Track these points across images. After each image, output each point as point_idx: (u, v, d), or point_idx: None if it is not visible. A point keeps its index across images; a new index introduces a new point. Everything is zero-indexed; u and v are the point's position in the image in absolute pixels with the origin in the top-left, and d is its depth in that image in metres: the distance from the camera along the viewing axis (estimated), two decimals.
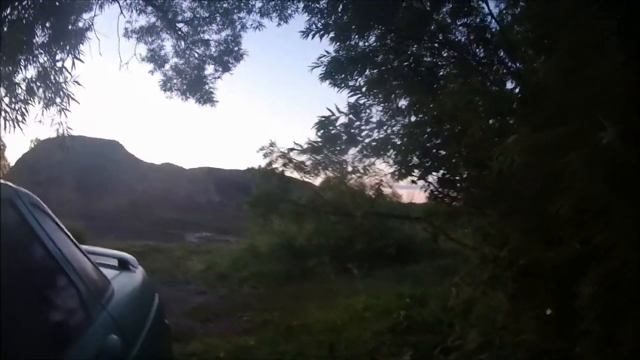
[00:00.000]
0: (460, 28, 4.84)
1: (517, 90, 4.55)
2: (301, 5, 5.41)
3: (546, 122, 3.39)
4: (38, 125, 8.13)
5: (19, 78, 7.33)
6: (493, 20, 4.68)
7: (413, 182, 5.37)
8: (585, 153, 2.89)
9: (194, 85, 10.38)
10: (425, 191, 5.37)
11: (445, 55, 4.96)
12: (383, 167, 5.36)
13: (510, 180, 4.00)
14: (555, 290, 3.94)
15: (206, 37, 10.37)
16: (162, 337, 3.83)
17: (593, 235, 3.29)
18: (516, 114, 4.13)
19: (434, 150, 5.05)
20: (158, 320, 3.66)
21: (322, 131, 5.49)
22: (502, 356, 4.13)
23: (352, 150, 5.35)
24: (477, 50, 4.73)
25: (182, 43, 10.39)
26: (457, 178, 5.13)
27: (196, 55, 10.47)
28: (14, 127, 7.08)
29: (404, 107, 5.30)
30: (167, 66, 10.63)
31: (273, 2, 9.81)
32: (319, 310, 7.99)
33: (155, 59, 10.58)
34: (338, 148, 5.39)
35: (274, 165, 6.01)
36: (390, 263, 9.84)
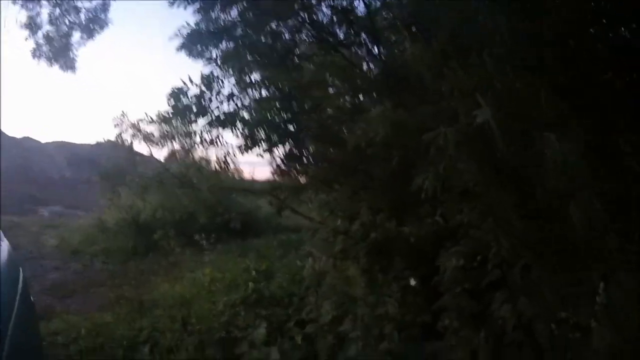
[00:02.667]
0: (324, 9, 4.35)
1: (376, 72, 4.14)
2: None
3: (413, 101, 3.07)
4: None
5: None
6: (362, 4, 4.23)
7: (259, 155, 4.90)
8: (455, 130, 2.63)
9: (60, 52, 9.18)
10: (271, 165, 5.02)
11: (305, 34, 4.46)
12: (231, 140, 4.86)
13: (362, 157, 3.74)
14: (414, 265, 3.75)
15: (79, 4, 9.15)
16: (30, 314, 3.41)
17: (453, 214, 3.14)
18: (376, 92, 3.73)
19: (283, 125, 4.59)
20: (25, 297, 3.21)
21: (174, 103, 4.87)
22: (364, 328, 3.82)
23: (202, 122, 4.87)
24: (339, 31, 4.26)
25: (57, 10, 9.11)
26: (304, 153, 4.71)
27: (67, 22, 9.24)
28: None
29: (256, 81, 4.78)
30: (39, 33, 9.33)
31: None
32: (166, 284, 7.41)
33: (31, 26, 9.23)
34: (188, 119, 4.76)
35: (123, 137, 5.35)
36: (235, 237, 9.30)
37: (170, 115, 4.93)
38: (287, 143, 4.82)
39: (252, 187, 7.24)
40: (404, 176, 3.20)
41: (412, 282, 3.75)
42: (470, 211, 3.09)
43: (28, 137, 22.07)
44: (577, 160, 2.48)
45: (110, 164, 6.70)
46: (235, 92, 4.86)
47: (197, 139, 4.99)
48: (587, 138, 2.50)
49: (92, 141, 11.62)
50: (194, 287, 6.93)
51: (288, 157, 4.90)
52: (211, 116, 4.83)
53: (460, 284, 3.35)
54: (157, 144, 5.16)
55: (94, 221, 10.65)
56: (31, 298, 3.69)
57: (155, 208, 10.24)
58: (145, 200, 10.16)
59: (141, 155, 6.36)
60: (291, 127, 4.73)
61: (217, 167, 5.36)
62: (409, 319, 3.78)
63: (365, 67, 4.47)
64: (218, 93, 4.87)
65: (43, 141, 23.29)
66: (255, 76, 4.81)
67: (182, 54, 4.61)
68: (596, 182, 2.65)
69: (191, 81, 4.92)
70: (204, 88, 4.84)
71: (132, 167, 9.52)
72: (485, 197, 2.95)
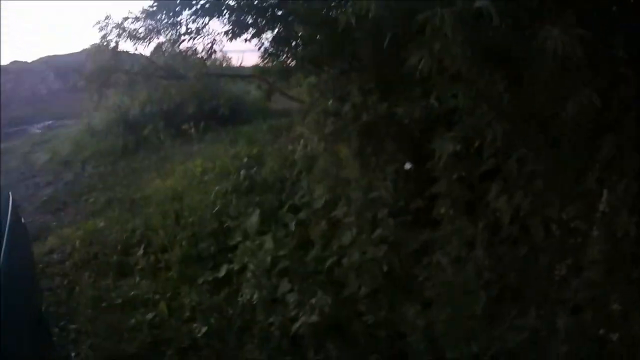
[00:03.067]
0: None
1: None
2: None
3: None
4: None
5: None
6: None
7: (247, 41, 4.53)
8: (452, 12, 2.45)
9: None
10: (259, 49, 4.60)
11: None
12: (217, 27, 4.44)
13: (352, 38, 3.51)
14: (407, 148, 3.58)
15: None
16: (22, 240, 3.45)
17: (446, 98, 3.05)
18: None
19: (270, 10, 4.23)
20: (15, 224, 3.26)
21: None
22: (357, 211, 3.61)
23: (187, 12, 4.43)
24: None
25: None
26: (293, 36, 4.35)
27: None
28: None
29: None
30: None
31: None
32: (158, 180, 7.14)
33: None
34: (172, 12, 4.41)
35: (108, 38, 4.99)
36: (224, 124, 8.90)
37: (155, 9, 4.44)
38: (275, 27, 4.37)
39: (239, 73, 6.78)
40: (396, 56, 3.03)
41: (407, 166, 3.53)
42: (464, 96, 2.96)
43: (15, 61, 21.24)
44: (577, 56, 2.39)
45: (96, 65, 6.37)
46: None
47: (183, 30, 4.53)
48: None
49: (79, 49, 11.08)
50: (185, 180, 6.67)
51: (276, 41, 4.45)
52: (196, 5, 4.31)
53: (455, 171, 3.22)
54: (142, 39, 4.70)
55: (84, 127, 10.23)
56: (22, 222, 3.70)
57: (143, 103, 9.80)
58: (133, 97, 9.86)
59: (127, 53, 5.99)
60: (279, 11, 4.26)
61: (204, 55, 4.94)
62: (403, 204, 3.60)
63: None
64: None
65: (30, 60, 22.53)
66: None
67: None
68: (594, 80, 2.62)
69: None
70: None
71: (117, 66, 9.09)
72: (479, 82, 2.85)
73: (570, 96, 2.59)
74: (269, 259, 4.05)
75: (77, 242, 5.66)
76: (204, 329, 3.94)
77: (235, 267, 4.41)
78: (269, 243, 4.26)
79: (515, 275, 3.06)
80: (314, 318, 3.33)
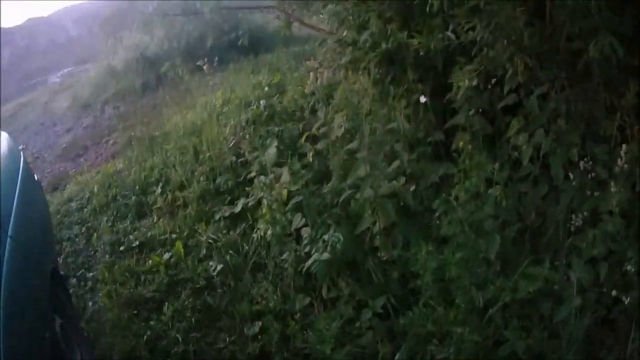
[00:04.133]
0: None
1: None
2: None
3: None
4: None
5: None
6: None
7: None
8: None
9: None
10: None
11: None
12: None
13: None
14: (426, 79, 3.47)
15: None
16: (35, 197, 3.44)
17: (465, 30, 2.90)
18: None
19: None
20: (26, 183, 3.27)
21: None
22: (373, 142, 3.31)
23: None
24: None
25: None
26: None
27: None
28: None
29: None
30: None
31: None
32: (178, 115, 6.93)
33: None
34: None
35: None
36: (244, 54, 8.56)
37: None
38: None
39: (258, 5, 6.47)
40: None
41: (423, 99, 3.35)
42: (483, 29, 2.84)
43: (30, 19, 21.06)
44: None
45: (112, 9, 6.23)
46: None
47: None
48: None
49: None
50: (204, 112, 6.39)
51: None
52: None
53: (474, 105, 3.14)
54: None
55: (103, 69, 10.04)
56: (35, 180, 3.71)
57: (161, 40, 9.58)
58: (151, 35, 9.67)
59: None
60: None
61: None
62: (421, 136, 3.48)
63: None
64: None
65: (47, 14, 22.29)
66: None
67: None
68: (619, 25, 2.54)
69: None
70: None
71: (133, 7, 8.89)
72: (499, 16, 2.77)
73: (592, 40, 2.50)
74: (284, 192, 3.79)
75: (96, 187, 5.52)
76: (219, 267, 3.76)
77: (251, 202, 4.19)
78: (285, 176, 4.00)
79: (535, 217, 2.97)
80: (326, 255, 3.08)
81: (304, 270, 3.27)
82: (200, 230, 4.20)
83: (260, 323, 3.35)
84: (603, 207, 2.66)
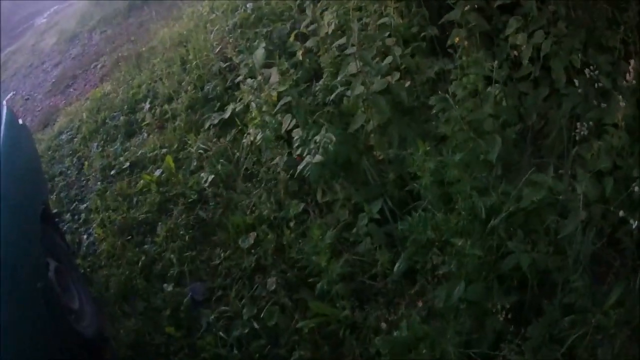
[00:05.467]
0: None
1: None
2: None
3: None
4: None
5: None
6: None
7: None
8: None
9: None
10: None
11: None
12: None
13: None
14: None
15: None
16: (20, 141, 3.27)
17: None
18: None
19: None
20: (11, 131, 3.17)
21: None
22: (364, 38, 3.11)
23: None
24: None
25: None
26: None
27: None
28: None
29: None
30: None
31: None
32: (164, 29, 6.44)
33: None
34: None
35: None
36: None
37: None
38: None
39: None
40: None
41: None
42: None
43: None
44: None
45: None
46: None
47: None
48: None
49: None
50: (191, 22, 5.95)
51: None
52: None
53: (470, 1, 2.91)
54: None
55: None
56: (22, 124, 3.59)
57: None
58: None
59: None
60: None
61: None
62: (415, 31, 3.20)
63: None
64: None
65: None
66: None
67: None
68: None
69: None
70: None
71: None
72: None
73: None
74: (274, 93, 3.44)
75: (85, 114, 5.20)
76: (211, 178, 3.49)
77: (240, 106, 3.85)
78: (274, 77, 3.64)
79: (536, 119, 2.83)
80: (318, 157, 2.77)
81: (296, 174, 2.97)
82: (190, 142, 3.91)
83: (254, 234, 3.12)
84: (608, 119, 2.45)
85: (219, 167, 3.50)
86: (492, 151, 2.48)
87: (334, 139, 2.74)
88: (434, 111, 2.77)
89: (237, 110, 3.83)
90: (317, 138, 2.81)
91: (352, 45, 2.97)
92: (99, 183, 4.18)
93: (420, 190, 2.50)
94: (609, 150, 2.40)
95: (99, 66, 6.63)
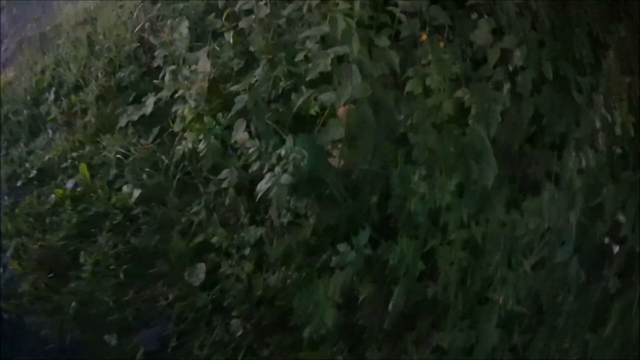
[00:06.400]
0: None
1: None
2: None
3: None
4: None
5: None
6: None
7: None
8: None
9: None
10: None
11: None
12: None
13: None
14: None
15: None
16: None
17: None
18: None
19: None
20: None
21: None
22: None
23: None
24: None
25: None
26: None
27: None
28: None
29: None
30: None
31: None
32: (69, 4, 4.80)
33: None
34: None
35: None
36: None
37: None
38: None
39: None
40: None
41: None
42: None
43: None
44: None
45: None
46: None
47: None
48: None
49: None
50: None
51: None
52: None
53: None
54: None
55: None
56: None
57: None
58: None
59: None
60: None
61: None
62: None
63: None
64: None
65: None
66: None
67: None
68: None
69: None
70: None
71: None
72: None
73: None
74: (204, 84, 2.41)
75: None
76: (137, 193, 2.45)
77: (164, 95, 2.77)
78: (203, 62, 2.60)
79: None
80: (287, 178, 1.85)
81: (258, 196, 2.05)
82: (105, 144, 2.80)
83: (202, 265, 2.15)
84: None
85: (145, 177, 2.46)
86: (487, 176, 1.98)
87: (306, 154, 1.79)
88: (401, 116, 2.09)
89: (160, 103, 2.72)
90: (282, 152, 1.86)
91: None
92: (5, 198, 3.01)
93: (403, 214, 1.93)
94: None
95: (2, 49, 5.16)
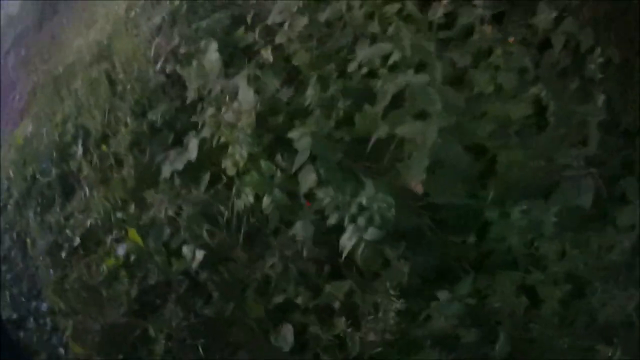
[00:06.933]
0: None
1: None
2: None
3: None
4: None
5: None
6: None
7: None
8: None
9: None
10: None
11: None
12: None
13: None
14: None
15: None
16: None
17: None
18: None
19: None
20: None
21: None
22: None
23: None
24: None
25: None
26: None
27: None
28: None
29: None
30: None
31: None
32: (78, 38, 4.73)
33: None
34: None
35: None
36: None
37: None
38: None
39: None
40: None
41: None
42: None
43: None
44: None
45: None
46: None
47: None
48: None
49: None
50: (108, 25, 4.31)
51: None
52: None
53: None
54: None
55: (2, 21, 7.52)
56: None
57: None
58: None
59: None
60: None
61: None
62: None
63: None
64: None
65: None
66: None
67: None
68: None
69: None
70: None
71: None
72: None
73: None
74: (251, 119, 2.11)
75: (11, 170, 3.68)
76: (200, 255, 2.17)
77: (207, 134, 2.46)
78: (243, 91, 2.30)
79: None
80: (375, 232, 1.65)
81: (343, 255, 1.72)
82: (150, 200, 2.52)
83: (289, 327, 1.88)
84: None
85: (205, 235, 2.16)
86: (586, 196, 1.71)
87: (392, 202, 1.50)
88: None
89: (205, 143, 2.43)
90: (363, 201, 1.55)
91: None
92: (51, 271, 2.77)
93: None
94: None
95: (16, 98, 4.94)
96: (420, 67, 1.95)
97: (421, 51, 1.88)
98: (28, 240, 3.10)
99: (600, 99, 1.84)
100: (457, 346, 1.70)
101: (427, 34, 2.10)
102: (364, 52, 2.09)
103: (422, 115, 1.79)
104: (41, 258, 2.91)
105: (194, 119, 2.60)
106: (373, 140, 1.81)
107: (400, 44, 1.96)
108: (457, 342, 1.70)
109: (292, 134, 2.00)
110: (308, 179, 1.91)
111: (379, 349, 1.73)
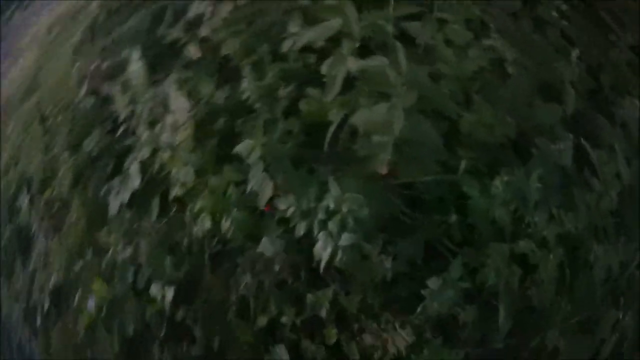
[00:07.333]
0: None
1: None
2: None
3: None
4: None
5: None
6: None
7: None
8: None
9: None
10: None
11: None
12: None
13: None
14: None
15: None
16: None
17: None
18: None
19: None
20: None
21: None
22: None
23: None
24: None
25: None
26: None
27: None
28: None
29: None
30: None
31: None
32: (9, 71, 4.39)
33: None
34: None
35: None
36: None
37: None
38: None
39: None
40: None
41: None
42: None
43: None
44: None
45: None
46: None
47: None
48: None
49: None
50: (31, 51, 3.93)
51: None
52: None
53: None
54: None
55: None
56: None
57: None
58: None
59: None
60: None
61: None
62: None
63: None
64: None
65: None
66: None
67: None
68: None
69: None
70: None
71: None
72: None
73: None
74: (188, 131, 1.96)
75: None
76: (170, 292, 1.99)
77: (144, 155, 2.25)
78: (176, 99, 2.10)
79: None
80: (349, 237, 1.54)
81: (321, 267, 1.62)
82: (104, 240, 2.31)
83: (283, 347, 1.73)
84: None
85: (167, 268, 1.97)
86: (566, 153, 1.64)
87: (363, 201, 1.34)
88: None
89: (146, 169, 2.21)
90: (330, 204, 1.37)
91: None
92: (32, 337, 2.60)
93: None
94: None
95: None
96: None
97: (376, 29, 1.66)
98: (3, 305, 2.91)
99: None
100: (457, 329, 1.59)
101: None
102: (308, 34, 1.85)
103: (380, 96, 1.59)
104: (20, 321, 2.74)
105: (128, 141, 2.38)
106: (331, 131, 1.61)
107: (347, 19, 1.72)
108: (457, 324, 1.58)
109: (239, 149, 1.80)
110: (265, 190, 1.71)
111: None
